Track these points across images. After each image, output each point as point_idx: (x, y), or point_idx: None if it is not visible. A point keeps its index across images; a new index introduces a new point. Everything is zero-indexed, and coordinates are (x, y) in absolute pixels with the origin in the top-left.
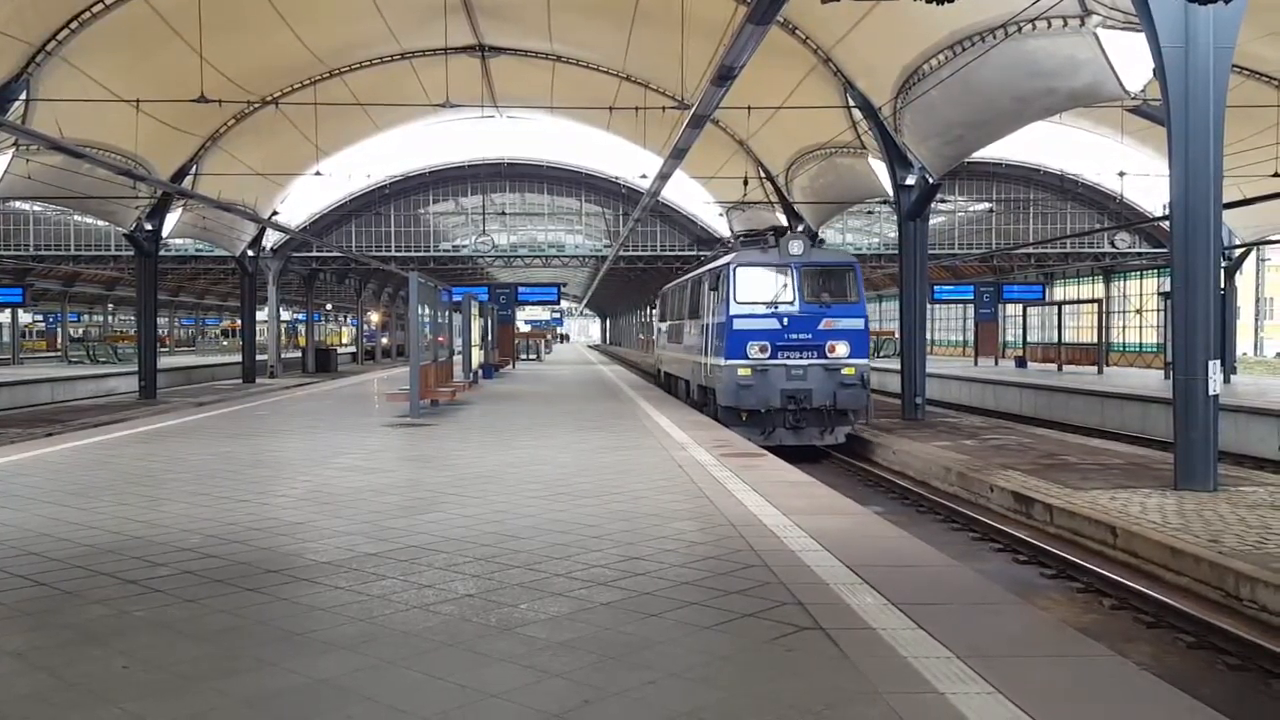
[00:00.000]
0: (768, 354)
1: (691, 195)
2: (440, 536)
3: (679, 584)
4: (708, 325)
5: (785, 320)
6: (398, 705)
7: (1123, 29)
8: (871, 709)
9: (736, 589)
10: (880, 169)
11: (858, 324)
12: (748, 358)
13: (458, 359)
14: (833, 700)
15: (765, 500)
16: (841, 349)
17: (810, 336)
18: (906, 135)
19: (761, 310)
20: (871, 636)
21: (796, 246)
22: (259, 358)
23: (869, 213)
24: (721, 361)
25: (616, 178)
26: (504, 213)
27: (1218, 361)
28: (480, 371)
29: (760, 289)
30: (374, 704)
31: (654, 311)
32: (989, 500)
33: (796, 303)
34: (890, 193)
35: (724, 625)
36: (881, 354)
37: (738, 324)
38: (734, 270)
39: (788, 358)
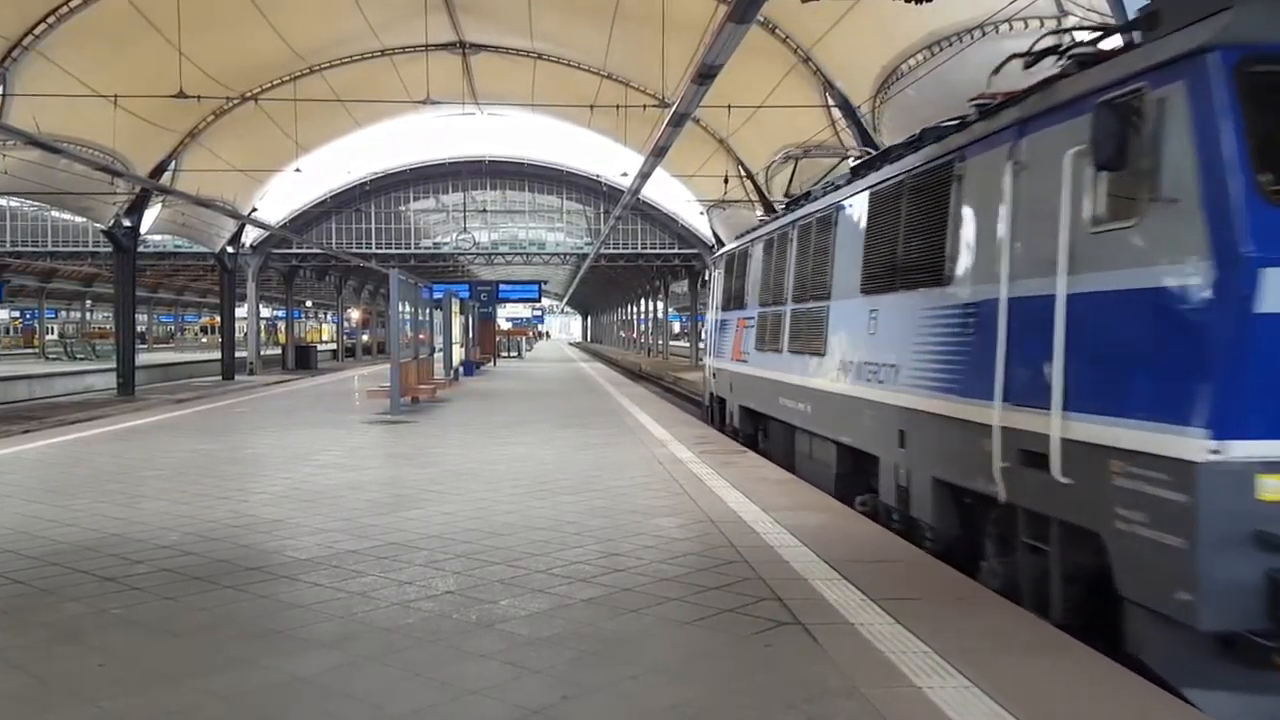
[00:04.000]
0: None
1: (672, 194)
2: (420, 533)
3: (659, 580)
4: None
5: None
6: (378, 702)
7: (1099, 30)
8: (850, 703)
9: (716, 585)
10: None
11: None
12: None
13: (439, 356)
14: (811, 695)
15: (745, 497)
16: None
17: None
18: (886, 134)
19: None
20: (850, 632)
21: None
22: (238, 354)
23: None
24: (1205, 445)
25: (597, 175)
26: (485, 210)
27: None
28: (461, 369)
29: None
30: (354, 701)
31: (706, 292)
32: None
33: None
34: None
35: (704, 621)
36: None
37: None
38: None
39: None
